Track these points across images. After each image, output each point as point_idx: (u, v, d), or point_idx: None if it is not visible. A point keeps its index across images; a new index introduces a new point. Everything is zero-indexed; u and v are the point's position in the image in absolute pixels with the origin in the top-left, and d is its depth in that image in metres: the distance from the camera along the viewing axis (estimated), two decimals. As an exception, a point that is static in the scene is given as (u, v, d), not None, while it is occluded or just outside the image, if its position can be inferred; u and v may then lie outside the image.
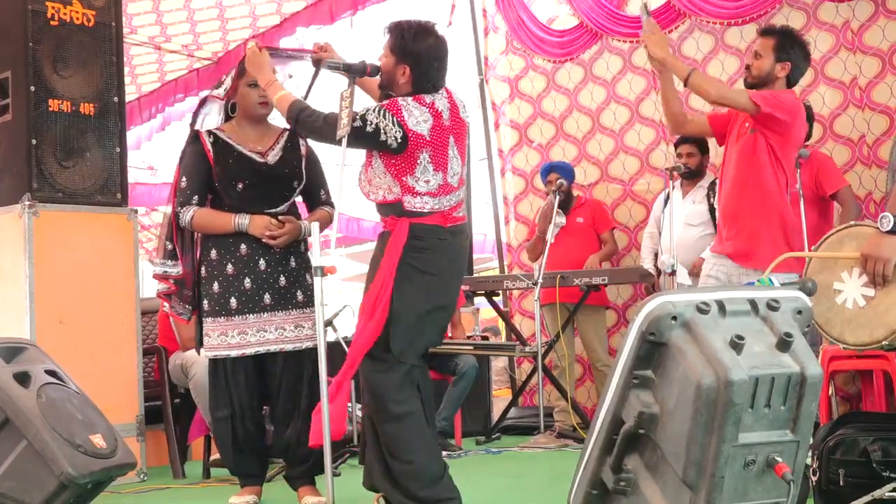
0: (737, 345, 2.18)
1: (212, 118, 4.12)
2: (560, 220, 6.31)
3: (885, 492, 2.99)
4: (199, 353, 4.21)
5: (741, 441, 2.17)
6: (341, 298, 7.20)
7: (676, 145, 5.94)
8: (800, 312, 2.34)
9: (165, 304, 4.18)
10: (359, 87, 3.73)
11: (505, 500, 4.13)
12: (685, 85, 4.02)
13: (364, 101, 3.56)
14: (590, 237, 6.38)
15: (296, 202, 4.09)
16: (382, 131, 3.35)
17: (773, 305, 2.30)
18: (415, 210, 3.43)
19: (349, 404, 5.05)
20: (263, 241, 3.88)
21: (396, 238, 3.41)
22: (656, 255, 6.03)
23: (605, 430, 2.32)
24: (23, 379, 3.04)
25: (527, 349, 6.12)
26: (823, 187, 5.08)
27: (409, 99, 3.42)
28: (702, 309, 2.23)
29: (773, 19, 5.80)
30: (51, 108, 4.73)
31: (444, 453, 3.82)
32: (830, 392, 4.36)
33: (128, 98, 6.96)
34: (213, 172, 3.95)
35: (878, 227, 3.17)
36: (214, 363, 3.95)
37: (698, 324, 2.22)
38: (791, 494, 2.22)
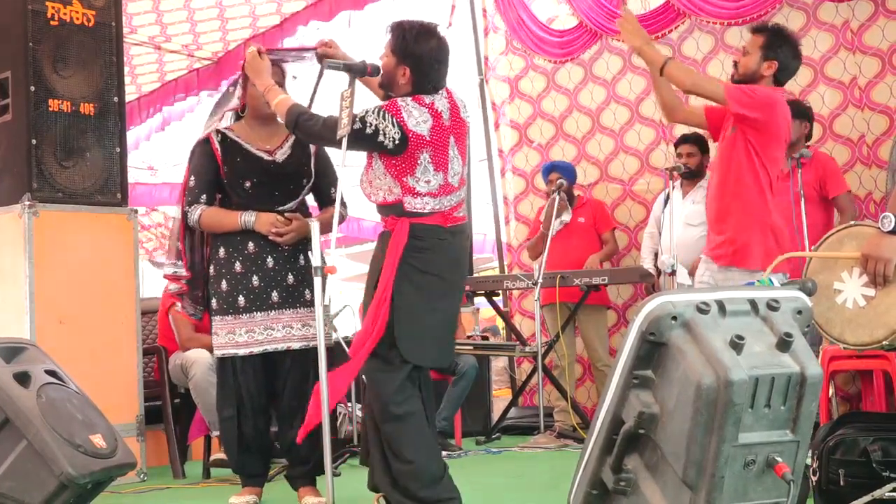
0: (737, 345, 2.18)
1: (224, 120, 4.11)
2: (566, 216, 6.31)
3: (885, 492, 2.99)
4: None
5: (741, 441, 2.17)
6: (341, 298, 7.19)
7: (676, 145, 5.94)
8: (800, 312, 2.34)
9: (178, 303, 4.18)
10: (364, 86, 3.73)
11: (505, 500, 4.13)
12: (661, 74, 3.95)
13: (364, 102, 3.56)
14: (591, 237, 6.38)
15: (306, 200, 4.08)
16: (381, 132, 3.35)
17: (773, 305, 2.30)
18: (415, 210, 3.43)
19: (349, 404, 5.06)
20: (270, 238, 3.88)
21: (397, 238, 3.41)
22: (656, 255, 6.03)
23: (605, 430, 2.32)
24: (23, 379, 3.04)
25: (527, 349, 6.13)
26: (826, 190, 5.10)
27: (409, 99, 3.42)
28: (702, 309, 2.23)
29: (773, 19, 5.79)
30: (51, 108, 4.73)
31: (444, 453, 3.83)
32: (830, 392, 4.36)
33: (128, 98, 6.96)
34: (221, 171, 3.95)
35: (878, 227, 3.17)
36: (222, 362, 3.95)
37: (698, 324, 2.22)
38: (791, 494, 2.22)
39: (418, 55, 3.42)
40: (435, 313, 3.46)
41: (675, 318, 2.22)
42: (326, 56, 3.73)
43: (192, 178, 3.99)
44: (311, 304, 3.91)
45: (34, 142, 4.66)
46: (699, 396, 2.14)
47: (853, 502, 3.02)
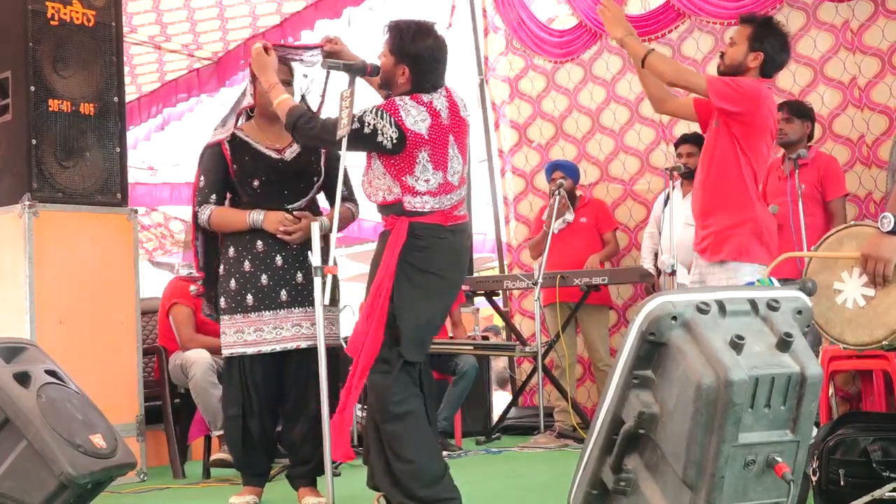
0: (737, 345, 2.18)
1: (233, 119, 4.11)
2: (569, 216, 6.31)
3: (885, 492, 2.99)
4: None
5: (741, 441, 2.17)
6: (341, 298, 7.18)
7: (676, 145, 5.94)
8: (800, 312, 2.34)
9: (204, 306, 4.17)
10: (367, 84, 3.73)
11: (505, 500, 4.13)
12: (642, 66, 3.88)
13: (364, 102, 3.56)
14: (593, 237, 6.38)
15: (317, 199, 4.07)
16: (380, 132, 3.35)
17: (773, 305, 2.31)
18: (415, 209, 3.43)
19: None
20: (278, 236, 3.88)
21: (396, 237, 3.42)
22: (656, 254, 6.03)
23: (605, 430, 2.32)
24: (23, 379, 3.04)
25: (527, 349, 6.13)
26: (824, 192, 5.10)
27: (407, 98, 3.43)
28: (702, 309, 2.23)
29: (773, 19, 5.79)
30: (51, 108, 4.73)
31: (444, 453, 3.82)
32: (830, 392, 4.36)
33: (128, 98, 6.96)
34: (230, 171, 3.95)
35: (878, 227, 3.17)
36: (230, 361, 3.94)
37: (698, 324, 2.22)
38: (791, 494, 2.22)
39: (416, 54, 3.42)
40: (431, 311, 3.47)
41: (675, 318, 2.22)
42: (332, 53, 3.73)
43: (202, 178, 4.01)
44: (326, 303, 3.89)
45: (34, 142, 4.66)
46: (699, 396, 2.14)
47: (853, 502, 3.02)
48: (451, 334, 6.33)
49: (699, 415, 2.15)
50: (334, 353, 3.99)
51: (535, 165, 7.17)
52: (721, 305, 2.27)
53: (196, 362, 5.05)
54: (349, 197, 4.06)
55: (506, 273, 7.16)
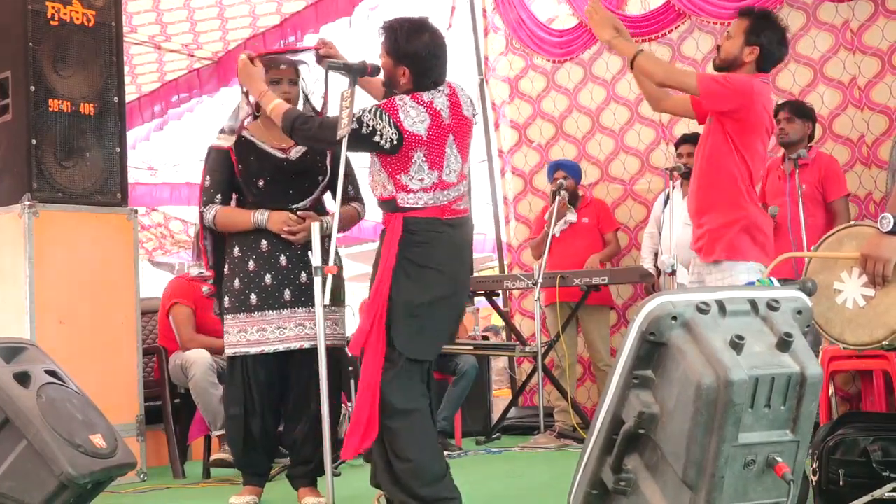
0: (737, 345, 2.18)
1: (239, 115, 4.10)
2: (571, 216, 6.31)
3: (885, 492, 2.99)
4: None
5: (741, 441, 2.17)
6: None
7: (676, 145, 5.94)
8: (800, 312, 2.34)
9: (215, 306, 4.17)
10: (360, 88, 3.73)
11: (505, 500, 4.13)
12: (632, 67, 3.79)
13: (364, 102, 3.56)
14: (594, 237, 6.38)
15: (323, 199, 4.05)
16: (378, 132, 3.35)
17: (773, 305, 2.31)
18: (408, 205, 3.43)
19: (349, 404, 5.05)
20: (283, 236, 3.88)
21: (391, 234, 3.42)
22: (656, 254, 6.03)
23: (605, 430, 2.32)
24: (23, 379, 3.04)
25: (527, 349, 6.13)
26: (826, 192, 5.09)
27: (407, 98, 3.42)
28: (702, 309, 2.23)
29: (773, 19, 5.79)
30: (51, 108, 4.73)
31: (444, 453, 3.82)
32: (830, 392, 4.36)
33: (128, 98, 6.96)
34: (236, 171, 3.96)
35: (877, 228, 3.17)
36: (232, 360, 3.94)
37: (698, 324, 2.22)
38: (791, 494, 2.22)
39: (414, 53, 3.42)
40: (433, 307, 3.43)
41: (675, 318, 2.22)
42: (328, 56, 3.73)
43: (208, 178, 4.00)
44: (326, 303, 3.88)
45: (34, 142, 4.66)
46: (699, 396, 2.14)
47: (853, 502, 3.02)
48: (452, 333, 6.33)
49: (699, 415, 2.15)
50: (337, 353, 4.00)
51: (534, 165, 7.17)
52: (721, 305, 2.27)
53: (196, 362, 5.05)
54: (355, 196, 4.06)
55: (506, 273, 7.16)
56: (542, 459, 5.25)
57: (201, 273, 4.04)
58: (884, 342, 3.25)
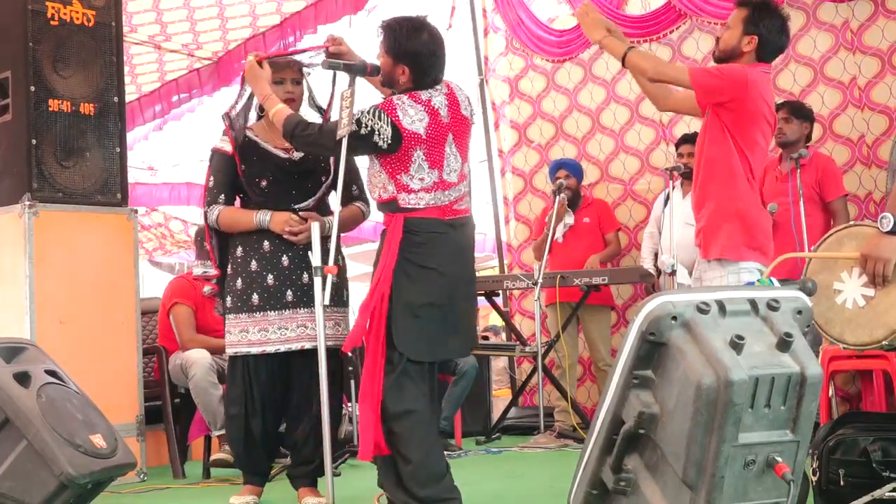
0: (737, 345, 2.18)
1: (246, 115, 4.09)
2: (569, 219, 6.31)
3: (885, 492, 2.99)
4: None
5: (741, 441, 2.17)
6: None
7: (677, 145, 5.94)
8: (800, 312, 2.35)
9: (217, 305, 4.17)
10: (371, 84, 3.73)
11: (505, 500, 4.13)
12: (623, 65, 3.74)
13: (364, 102, 3.56)
14: (595, 237, 6.38)
15: (327, 199, 4.03)
16: (376, 132, 3.36)
17: (773, 305, 2.31)
18: (409, 206, 3.43)
19: (349, 404, 5.05)
20: (284, 237, 3.88)
21: (392, 234, 3.42)
22: (656, 255, 6.03)
23: (605, 430, 2.33)
24: (23, 379, 3.04)
25: (527, 349, 6.13)
26: (823, 193, 5.08)
27: (405, 97, 3.43)
28: (702, 309, 2.24)
29: (773, 19, 5.78)
30: (51, 108, 4.73)
31: (444, 453, 3.82)
32: (830, 392, 4.36)
33: (128, 98, 6.96)
34: (239, 171, 3.96)
35: (877, 227, 3.17)
36: (233, 360, 3.95)
37: (698, 324, 2.22)
38: (791, 494, 2.22)
39: (413, 52, 3.42)
40: (432, 308, 3.43)
41: (675, 318, 2.22)
42: (337, 54, 3.72)
43: (212, 178, 4.01)
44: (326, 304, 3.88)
45: (34, 142, 4.66)
46: (699, 396, 2.15)
47: (853, 502, 3.02)
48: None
49: (699, 415, 2.15)
50: (339, 354, 4.00)
51: (534, 165, 7.17)
52: (721, 305, 2.27)
53: (196, 362, 5.05)
54: (360, 196, 4.05)
55: (506, 273, 7.16)
56: (542, 459, 5.25)
57: (205, 272, 4.03)
58: (884, 342, 3.25)
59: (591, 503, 2.37)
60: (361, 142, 3.39)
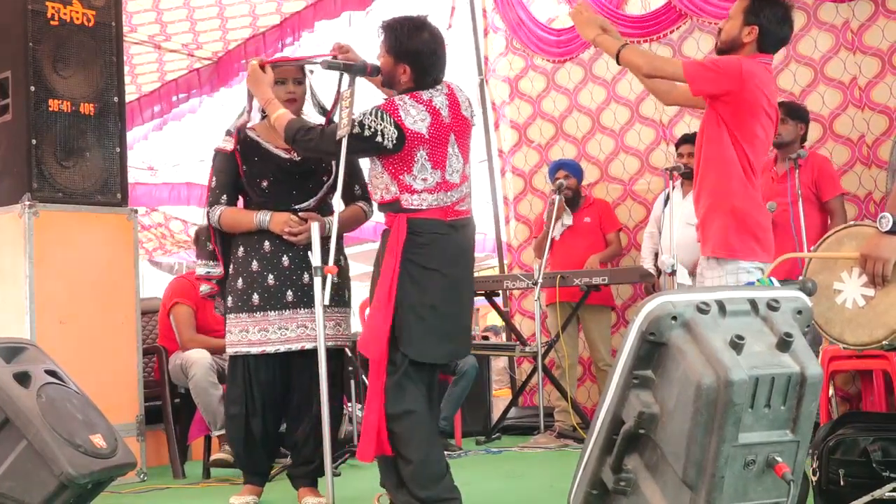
0: (737, 345, 2.18)
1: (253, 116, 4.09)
2: (567, 220, 6.31)
3: (885, 492, 2.99)
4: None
5: (741, 441, 2.17)
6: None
7: (677, 145, 5.94)
8: (800, 312, 2.35)
9: (216, 305, 4.17)
10: (372, 84, 3.73)
11: (505, 500, 4.13)
12: (618, 63, 3.68)
13: (364, 102, 3.56)
14: (596, 237, 6.38)
15: (328, 199, 4.02)
16: (380, 133, 3.36)
17: (773, 305, 2.31)
18: (412, 207, 3.43)
19: (350, 404, 5.06)
20: (284, 237, 3.88)
21: (395, 235, 3.42)
22: (656, 255, 6.03)
23: (605, 430, 2.33)
24: (23, 379, 3.04)
25: (527, 349, 6.13)
26: (820, 193, 5.08)
27: (407, 98, 3.43)
28: (702, 309, 2.24)
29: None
30: (51, 108, 4.73)
31: (444, 453, 3.82)
32: (830, 392, 4.36)
33: (128, 98, 6.96)
34: (240, 171, 3.96)
35: (877, 227, 3.17)
36: (234, 360, 3.95)
37: (698, 324, 2.22)
38: (791, 494, 2.22)
39: (415, 51, 3.43)
40: (435, 310, 3.43)
41: (675, 318, 2.22)
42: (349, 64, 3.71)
43: (214, 178, 4.02)
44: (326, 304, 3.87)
45: (34, 142, 4.66)
46: (699, 396, 2.15)
47: (853, 502, 3.02)
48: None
49: (699, 415, 2.15)
50: (340, 354, 4.00)
51: (534, 165, 7.17)
52: (721, 305, 2.27)
53: (196, 362, 5.05)
54: (362, 195, 4.04)
55: (506, 273, 7.16)
56: (542, 459, 5.25)
57: (208, 273, 4.03)
58: (884, 342, 3.25)
59: (591, 503, 2.37)
60: (365, 144, 3.39)
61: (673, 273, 5.20)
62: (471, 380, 5.98)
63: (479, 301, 7.12)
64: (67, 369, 3.30)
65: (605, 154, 6.87)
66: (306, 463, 3.97)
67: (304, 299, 3.89)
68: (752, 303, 2.31)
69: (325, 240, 3.67)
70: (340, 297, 3.95)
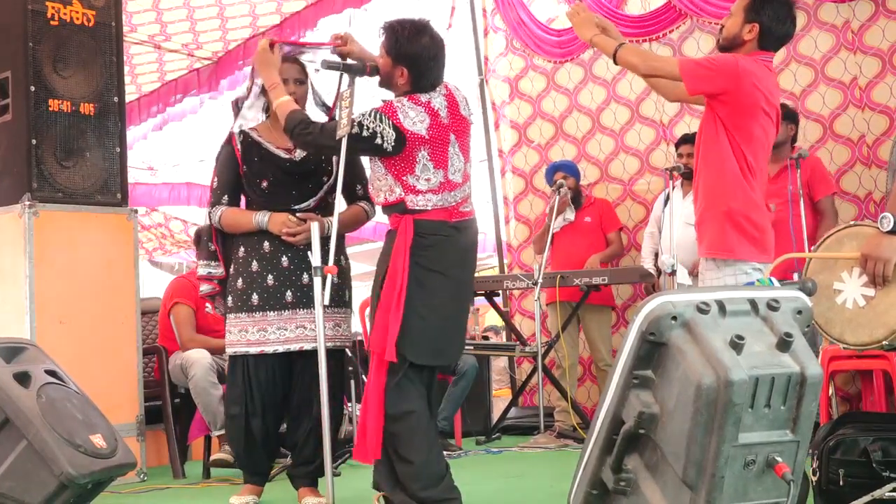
0: (737, 345, 2.18)
1: (255, 115, 4.08)
2: (569, 215, 6.31)
3: (885, 492, 2.99)
4: None
5: (741, 441, 2.17)
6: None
7: (677, 145, 5.94)
8: (800, 312, 2.35)
9: (209, 305, 4.17)
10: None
11: (505, 500, 4.13)
12: (615, 63, 3.64)
13: (364, 102, 3.56)
14: (597, 237, 6.38)
15: (328, 199, 4.00)
16: (379, 135, 3.36)
17: (773, 305, 2.31)
18: (418, 207, 3.43)
19: (349, 404, 5.05)
20: (283, 238, 3.88)
21: (402, 236, 3.41)
22: (656, 255, 6.03)
23: (605, 430, 2.32)
24: (23, 379, 3.04)
25: (527, 349, 6.13)
26: (813, 192, 5.07)
27: (405, 99, 3.43)
28: (702, 309, 2.23)
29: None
30: (51, 108, 4.73)
31: (443, 453, 3.82)
32: (830, 392, 4.36)
33: (128, 98, 6.96)
34: (241, 171, 3.96)
35: (878, 227, 3.17)
36: (233, 359, 3.95)
37: (698, 324, 2.22)
38: (791, 494, 2.22)
39: (414, 55, 3.43)
40: (435, 311, 3.44)
41: (675, 318, 2.22)
42: (346, 53, 3.72)
43: (216, 178, 4.02)
44: (325, 304, 3.88)
45: (34, 142, 4.66)
46: (699, 396, 2.14)
47: (853, 502, 3.02)
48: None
49: (699, 415, 2.15)
50: (340, 354, 3.99)
51: (534, 165, 7.17)
52: (721, 305, 2.27)
53: (196, 362, 5.05)
54: (364, 195, 4.03)
55: (506, 273, 7.16)
56: (542, 459, 5.25)
57: (210, 273, 4.03)
58: (884, 342, 3.25)
59: (591, 503, 2.37)
60: (364, 144, 3.40)
61: (673, 273, 5.20)
62: (471, 380, 5.98)
63: (479, 301, 7.14)
64: (67, 369, 3.30)
65: (605, 154, 6.87)
66: (306, 463, 3.97)
67: (304, 300, 3.88)
68: (752, 303, 2.31)
69: (325, 240, 3.67)
70: (340, 297, 3.95)
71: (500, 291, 6.97)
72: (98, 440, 3.07)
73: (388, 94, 3.59)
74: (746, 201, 3.44)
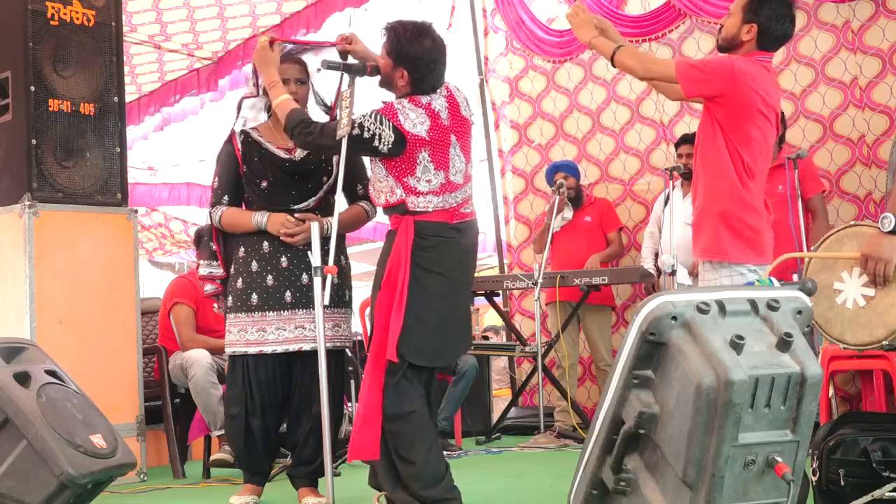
0: (737, 345, 2.18)
1: (256, 115, 4.08)
2: (567, 214, 6.31)
3: (885, 492, 2.99)
4: None
5: (741, 441, 2.17)
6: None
7: (677, 145, 5.94)
8: (800, 312, 2.35)
9: (216, 304, 4.17)
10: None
11: (505, 500, 4.13)
12: (613, 66, 3.62)
13: (364, 102, 3.56)
14: (597, 236, 6.38)
15: (329, 199, 3.99)
16: (378, 137, 3.36)
17: (773, 305, 2.31)
18: (418, 209, 3.43)
19: (349, 404, 5.05)
20: (282, 238, 3.88)
21: (403, 237, 3.41)
22: (656, 255, 6.03)
23: (605, 430, 2.33)
24: (23, 379, 3.04)
25: (527, 349, 6.13)
26: (803, 191, 5.07)
27: (405, 101, 3.43)
28: (702, 309, 2.23)
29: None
30: (51, 108, 4.73)
31: (443, 453, 3.82)
32: (830, 392, 4.36)
33: (128, 98, 6.95)
34: (241, 171, 3.96)
35: (878, 227, 3.17)
36: (233, 359, 3.95)
37: (698, 324, 2.22)
38: (791, 494, 2.22)
39: (415, 57, 3.42)
40: (435, 312, 3.44)
41: (675, 318, 2.22)
42: (350, 53, 3.72)
43: (217, 178, 4.02)
44: (325, 304, 3.88)
45: (34, 142, 4.66)
46: (699, 396, 2.14)
47: (853, 502, 3.02)
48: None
49: (699, 415, 2.15)
50: (340, 354, 3.99)
51: (535, 165, 7.17)
52: (721, 305, 2.27)
53: (196, 362, 5.05)
54: (365, 195, 4.01)
55: (506, 273, 7.16)
56: (542, 459, 5.25)
57: (211, 273, 4.04)
58: (884, 342, 3.25)
59: (591, 503, 2.37)
60: (364, 145, 3.40)
61: (673, 273, 5.20)
62: (471, 380, 5.98)
63: (479, 301, 7.14)
64: (67, 369, 3.30)
65: (605, 154, 6.87)
66: (306, 463, 3.97)
67: (303, 300, 3.88)
68: (752, 303, 2.31)
69: (324, 240, 3.66)
70: (340, 297, 3.95)
71: (500, 291, 6.97)
72: (98, 440, 3.07)
73: (389, 95, 3.59)
74: (742, 203, 3.40)
